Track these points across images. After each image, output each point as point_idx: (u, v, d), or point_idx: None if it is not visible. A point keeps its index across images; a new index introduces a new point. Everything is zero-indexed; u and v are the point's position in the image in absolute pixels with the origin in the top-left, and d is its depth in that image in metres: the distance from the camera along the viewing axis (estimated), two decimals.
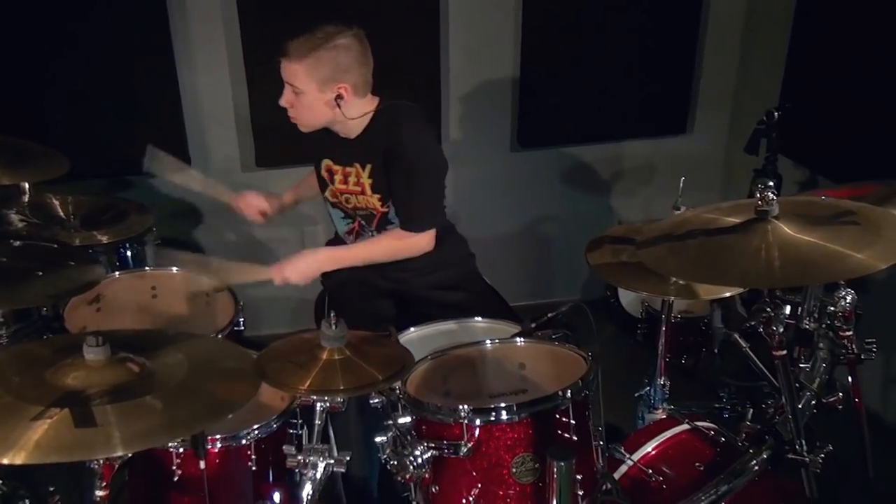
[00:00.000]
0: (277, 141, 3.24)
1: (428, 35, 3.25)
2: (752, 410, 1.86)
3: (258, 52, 3.14)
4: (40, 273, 1.62)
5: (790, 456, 1.71)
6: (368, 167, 2.26)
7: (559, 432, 1.59)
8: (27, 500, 1.57)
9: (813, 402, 1.88)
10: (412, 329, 2.11)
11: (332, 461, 1.52)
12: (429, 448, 1.58)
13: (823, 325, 2.04)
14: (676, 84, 3.58)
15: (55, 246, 1.81)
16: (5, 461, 1.25)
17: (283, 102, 2.20)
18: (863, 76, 2.87)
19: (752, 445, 1.81)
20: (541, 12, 3.30)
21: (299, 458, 1.51)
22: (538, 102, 3.46)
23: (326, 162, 2.34)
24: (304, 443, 1.87)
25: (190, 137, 3.21)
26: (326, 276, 2.47)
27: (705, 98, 3.62)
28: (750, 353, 1.94)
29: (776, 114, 2.82)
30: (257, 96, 3.21)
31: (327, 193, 2.39)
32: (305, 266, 2.23)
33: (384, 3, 3.14)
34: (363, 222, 2.37)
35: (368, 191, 2.29)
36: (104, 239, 2.56)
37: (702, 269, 1.61)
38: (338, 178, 2.33)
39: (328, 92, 2.15)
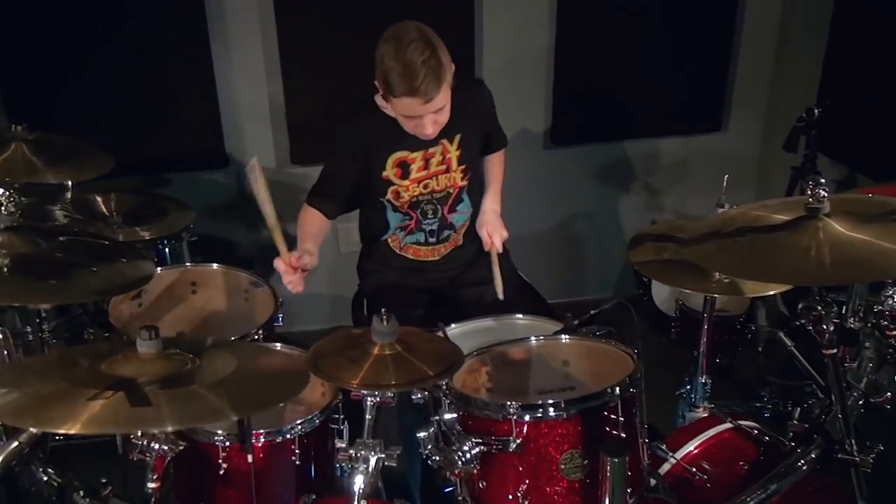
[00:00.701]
0: (312, 138, 3.27)
1: (461, 32, 3.25)
2: (798, 409, 1.83)
3: (294, 50, 3.16)
4: (94, 269, 1.63)
5: (840, 456, 1.69)
6: (458, 137, 2.24)
7: (607, 429, 1.58)
8: (81, 492, 1.59)
9: (860, 401, 1.86)
10: (453, 325, 2.11)
11: (382, 455, 1.53)
12: (477, 444, 1.58)
13: (869, 325, 2.01)
14: (711, 81, 3.55)
15: (105, 242, 1.82)
16: (62, 431, 1.26)
17: (431, 131, 2.08)
18: None
19: (799, 445, 1.79)
20: (575, 9, 3.29)
21: (351, 451, 1.52)
22: (572, 100, 3.45)
23: (398, 156, 2.22)
24: (344, 437, 1.89)
25: (226, 135, 3.24)
26: (365, 278, 2.48)
27: (740, 95, 3.59)
28: (795, 351, 1.92)
29: (816, 111, 2.80)
30: (292, 94, 3.23)
31: (391, 195, 2.26)
32: (500, 221, 2.36)
33: (417, 1, 3.14)
34: (432, 211, 2.31)
35: (454, 164, 2.26)
36: (146, 235, 2.59)
37: (752, 267, 1.59)
38: (416, 166, 2.23)
39: (450, 83, 2.08)
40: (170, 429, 1.28)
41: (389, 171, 2.23)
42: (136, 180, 3.18)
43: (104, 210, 2.69)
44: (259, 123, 3.26)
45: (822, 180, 1.59)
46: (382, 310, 1.52)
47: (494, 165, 2.45)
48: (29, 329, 2.37)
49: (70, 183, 2.36)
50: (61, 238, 1.77)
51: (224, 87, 3.17)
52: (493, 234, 2.30)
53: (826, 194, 1.58)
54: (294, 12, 3.11)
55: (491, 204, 2.39)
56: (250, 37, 3.12)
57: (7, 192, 1.52)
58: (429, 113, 2.03)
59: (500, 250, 2.29)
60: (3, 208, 1.53)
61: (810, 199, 1.59)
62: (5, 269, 1.50)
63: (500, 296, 2.21)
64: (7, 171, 2.13)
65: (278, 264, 2.04)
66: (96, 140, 2.51)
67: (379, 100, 2.12)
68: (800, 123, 2.85)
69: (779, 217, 1.67)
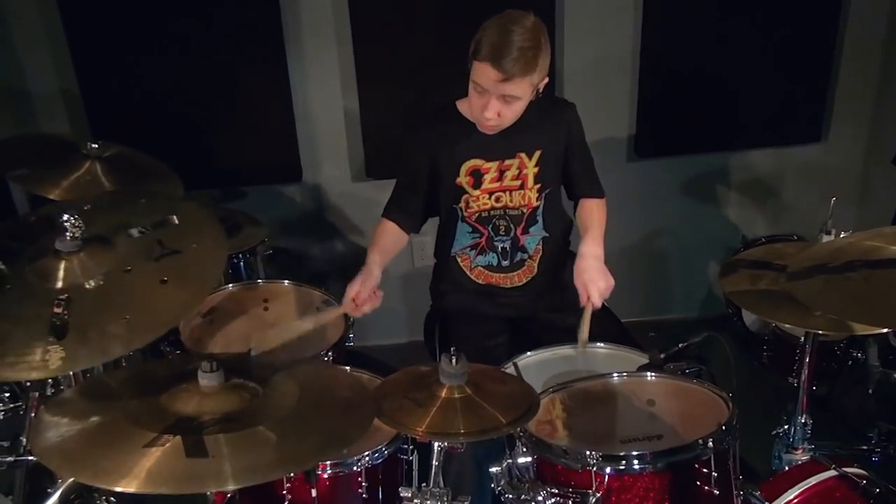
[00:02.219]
0: (387, 151, 3.21)
1: None
2: None
3: (370, 62, 3.12)
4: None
5: None
6: (538, 153, 2.14)
7: (699, 484, 1.45)
8: None
9: None
10: (528, 353, 2.01)
11: None
12: (552, 494, 1.46)
13: None
14: (811, 88, 3.32)
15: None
16: (118, 489, 1.24)
17: (490, 114, 1.98)
18: None
19: None
20: (662, 16, 3.13)
21: (416, 502, 1.43)
22: (657, 110, 3.29)
23: (472, 163, 2.14)
24: (414, 471, 1.82)
25: (301, 148, 3.23)
26: (437, 300, 2.40)
27: (842, 104, 3.35)
28: None
29: None
30: (368, 107, 3.19)
31: (462, 203, 2.18)
32: (602, 268, 2.07)
33: (497, 6, 3.05)
34: (504, 228, 2.21)
35: (530, 182, 2.15)
36: None
37: (865, 309, 1.43)
38: (489, 176, 2.14)
39: (536, 89, 2.02)
40: (230, 487, 1.22)
41: (463, 178, 2.15)
42: (213, 192, 3.20)
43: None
44: (334, 136, 3.24)
45: None
46: (452, 349, 1.43)
47: (594, 211, 2.25)
48: None
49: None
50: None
51: (300, 100, 3.16)
52: (591, 285, 2.02)
53: None
54: (370, 25, 3.07)
55: (591, 248, 2.10)
56: (326, 49, 3.10)
57: (72, 219, 1.48)
58: (499, 94, 1.95)
59: (598, 306, 2.02)
60: (68, 234, 1.49)
61: None
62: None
63: (581, 347, 2.00)
64: (74, 192, 2.12)
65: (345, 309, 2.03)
66: (174, 154, 2.51)
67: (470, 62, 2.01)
68: None
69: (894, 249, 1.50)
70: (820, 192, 2.57)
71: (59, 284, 1.54)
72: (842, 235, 1.76)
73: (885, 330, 1.97)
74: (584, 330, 1.97)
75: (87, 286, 1.55)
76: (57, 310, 1.47)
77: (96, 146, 2.30)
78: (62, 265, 1.57)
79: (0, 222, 1.86)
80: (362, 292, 1.99)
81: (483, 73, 1.93)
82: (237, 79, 3.09)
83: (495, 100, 1.96)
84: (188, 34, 3.01)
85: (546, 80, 2.00)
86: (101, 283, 1.56)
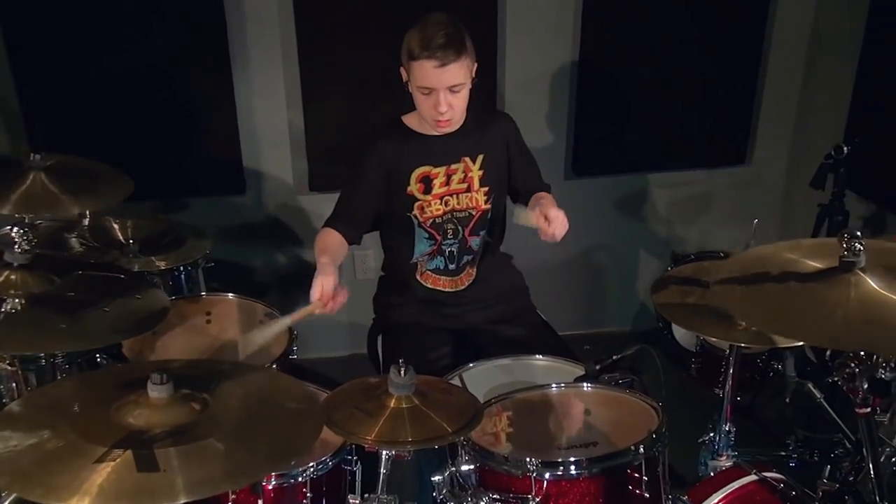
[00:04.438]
0: (331, 164, 3.24)
1: (483, 62, 3.22)
2: (828, 466, 1.76)
3: (315, 76, 3.14)
4: (106, 309, 1.59)
5: None
6: (481, 157, 2.25)
7: (630, 488, 1.53)
8: None
9: (893, 458, 1.79)
10: (471, 364, 2.07)
11: None
12: (494, 500, 1.52)
13: None
14: (737, 113, 3.50)
15: (121, 276, 1.78)
16: None
17: (443, 108, 2.07)
18: None
19: None
20: (598, 39, 3.26)
21: None
22: (593, 130, 3.41)
23: (421, 170, 2.23)
24: (357, 481, 1.85)
25: (245, 159, 3.22)
26: (381, 312, 2.45)
27: (765, 129, 3.53)
28: (825, 404, 1.85)
29: (845, 149, 2.74)
30: (313, 120, 3.21)
31: (416, 211, 2.25)
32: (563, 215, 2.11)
33: None
34: (452, 231, 2.28)
35: (476, 184, 2.25)
36: (162, 265, 2.56)
37: (777, 320, 1.53)
38: (438, 181, 2.24)
39: (471, 75, 2.12)
40: (182, 501, 1.24)
41: (413, 186, 2.23)
42: (155, 203, 3.16)
43: (120, 237, 2.66)
44: (278, 148, 3.24)
45: (859, 233, 1.53)
46: (400, 360, 1.48)
47: (546, 195, 2.36)
48: (42, 354, 2.34)
49: (88, 211, 2.33)
50: (77, 272, 1.73)
51: (244, 112, 3.16)
52: (555, 221, 2.06)
53: (862, 248, 1.53)
54: (316, 38, 3.09)
55: (549, 200, 2.26)
56: (272, 61, 3.11)
57: (21, 231, 1.48)
58: (444, 87, 2.04)
59: (557, 240, 2.08)
60: (17, 247, 1.49)
61: (845, 252, 1.53)
62: (17, 310, 1.46)
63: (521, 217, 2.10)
64: (26, 205, 2.10)
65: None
66: (115, 163, 2.49)
67: (403, 73, 2.13)
68: (828, 161, 2.79)
69: (812, 264, 1.61)
70: (745, 212, 2.71)
71: None
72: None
73: (801, 343, 2.09)
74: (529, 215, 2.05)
75: None
76: None
77: (38, 156, 2.27)
78: None
79: None
80: (326, 290, 1.99)
81: (423, 70, 2.03)
82: (181, 88, 3.07)
83: (443, 94, 2.05)
84: (131, 44, 2.98)
85: (474, 57, 2.12)
86: None
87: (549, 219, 2.05)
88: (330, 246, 2.18)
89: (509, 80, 3.27)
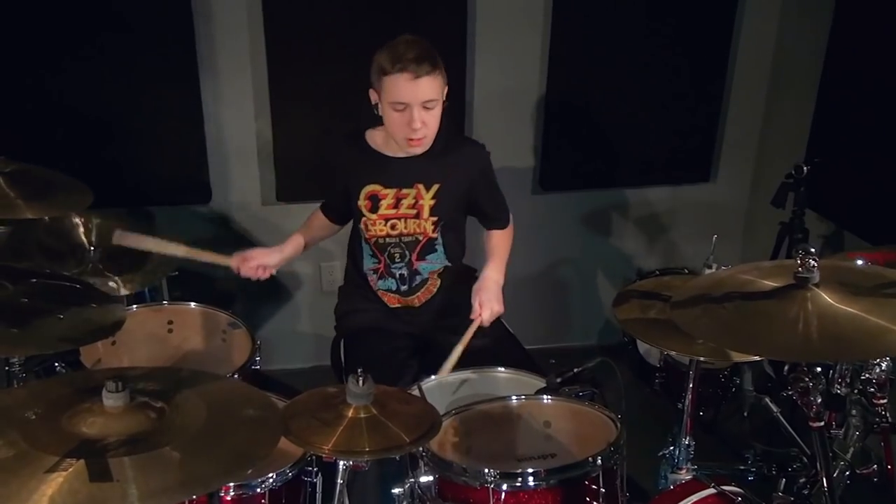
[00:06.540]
0: (299, 174, 3.23)
1: (452, 79, 3.25)
2: (783, 479, 1.79)
3: (284, 86, 3.14)
4: (61, 316, 1.57)
5: None
6: (436, 187, 2.22)
7: (588, 499, 1.54)
8: None
9: (847, 472, 1.82)
10: (433, 377, 2.07)
11: None
12: None
13: (856, 391, 1.98)
14: (701, 132, 3.55)
15: (77, 286, 1.76)
16: None
17: (417, 125, 2.06)
18: (894, 131, 2.84)
19: None
20: (566, 56, 3.30)
21: None
22: (561, 146, 3.44)
23: (371, 188, 2.24)
24: (317, 493, 1.84)
25: (211, 169, 3.21)
26: (343, 322, 2.44)
27: (729, 147, 3.59)
28: (781, 418, 1.88)
29: (805, 168, 2.79)
30: (281, 130, 3.20)
31: (362, 225, 2.27)
32: (499, 294, 2.22)
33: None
34: (399, 255, 2.29)
35: (426, 213, 2.23)
36: (124, 290, 2.52)
37: (736, 337, 1.56)
38: (386, 202, 2.23)
39: (443, 96, 2.13)
40: None
41: (361, 202, 2.25)
42: (119, 211, 3.12)
43: (84, 241, 2.62)
44: (245, 158, 3.23)
45: (812, 249, 1.57)
46: (359, 370, 1.48)
47: (500, 241, 2.38)
48: None
49: (47, 219, 2.29)
50: (32, 280, 1.70)
51: (211, 120, 3.14)
52: (485, 305, 2.16)
53: (816, 264, 1.56)
54: (284, 48, 3.09)
55: (492, 273, 2.25)
56: (240, 69, 3.10)
57: None
58: (418, 103, 2.03)
59: (486, 325, 2.15)
60: None
61: (800, 269, 1.57)
62: None
63: (443, 373, 2.06)
64: None
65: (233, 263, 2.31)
66: (78, 171, 2.45)
67: (373, 95, 2.13)
68: (788, 180, 2.85)
69: (768, 283, 1.64)
70: (708, 229, 2.75)
71: None
72: (721, 269, 1.91)
73: (758, 358, 2.12)
74: (459, 348, 2.07)
75: None
76: None
77: None
78: None
79: None
80: (257, 257, 2.24)
81: (396, 85, 2.03)
82: (147, 96, 3.04)
83: (417, 109, 2.05)
84: (95, 47, 2.95)
85: (445, 74, 2.12)
86: None
87: (481, 304, 2.16)
88: (311, 222, 2.46)
89: (478, 97, 3.30)
